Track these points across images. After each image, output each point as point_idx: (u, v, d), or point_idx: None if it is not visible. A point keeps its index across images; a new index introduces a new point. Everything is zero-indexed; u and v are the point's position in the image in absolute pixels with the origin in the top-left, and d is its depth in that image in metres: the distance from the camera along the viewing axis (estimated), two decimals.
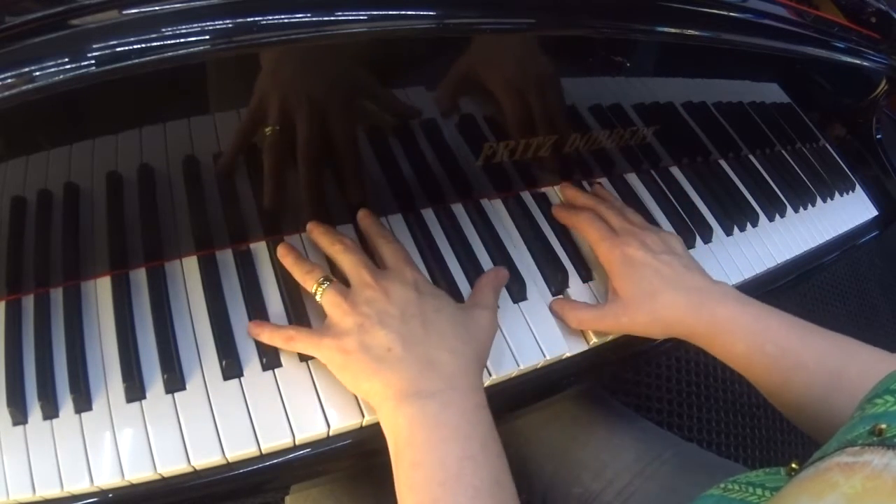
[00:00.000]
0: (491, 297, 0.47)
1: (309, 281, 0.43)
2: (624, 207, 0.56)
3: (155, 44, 0.30)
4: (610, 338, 0.52)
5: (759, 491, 0.35)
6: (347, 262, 0.44)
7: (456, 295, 0.48)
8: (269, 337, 0.42)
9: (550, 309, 0.52)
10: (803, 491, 0.26)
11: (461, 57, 0.43)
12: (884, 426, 0.27)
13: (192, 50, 0.31)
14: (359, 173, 0.48)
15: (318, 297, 0.43)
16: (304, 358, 0.43)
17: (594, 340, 0.51)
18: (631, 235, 0.51)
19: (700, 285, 0.48)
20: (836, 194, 0.81)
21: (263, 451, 0.40)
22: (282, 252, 0.46)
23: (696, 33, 0.48)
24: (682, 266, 0.49)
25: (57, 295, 0.43)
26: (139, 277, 0.45)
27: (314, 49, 0.37)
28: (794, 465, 0.34)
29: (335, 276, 0.45)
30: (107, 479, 0.37)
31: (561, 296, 0.53)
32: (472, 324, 0.43)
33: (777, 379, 0.45)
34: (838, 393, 0.43)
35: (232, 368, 0.42)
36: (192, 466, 0.39)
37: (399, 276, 0.43)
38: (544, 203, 0.58)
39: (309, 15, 0.33)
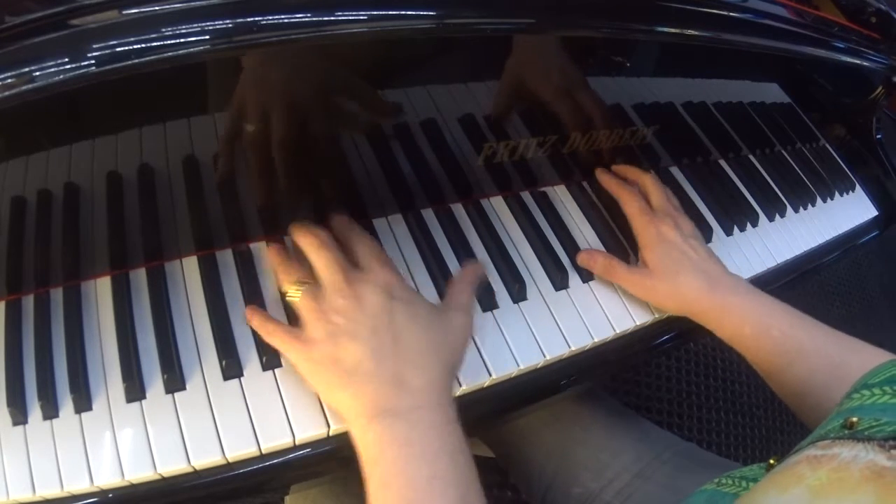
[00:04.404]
0: (466, 297, 0.46)
1: (286, 282, 0.43)
2: (666, 189, 0.60)
3: (155, 44, 0.30)
4: (611, 336, 0.52)
5: (751, 485, 0.35)
6: (320, 260, 0.42)
7: None
8: (257, 323, 0.42)
9: (578, 258, 0.55)
10: (772, 485, 0.26)
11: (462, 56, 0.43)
12: (856, 419, 0.27)
13: (192, 50, 0.31)
14: (352, 173, 0.48)
15: (289, 297, 0.42)
16: None
17: (595, 340, 0.51)
18: (668, 216, 0.55)
19: (718, 273, 0.52)
20: (836, 194, 0.81)
21: (263, 451, 0.40)
22: (272, 252, 0.46)
23: (696, 33, 0.48)
24: (706, 253, 0.53)
25: (57, 295, 0.43)
26: (139, 277, 0.45)
27: (304, 49, 0.37)
28: (772, 462, 0.34)
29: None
30: (107, 479, 0.37)
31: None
32: (448, 329, 0.42)
33: (781, 361, 0.47)
34: (840, 385, 0.43)
35: (232, 368, 0.42)
36: (192, 466, 0.39)
37: (372, 279, 0.41)
38: (544, 203, 0.58)
39: (309, 15, 0.33)
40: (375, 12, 0.35)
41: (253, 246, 0.48)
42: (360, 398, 0.38)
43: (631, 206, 0.56)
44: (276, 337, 0.41)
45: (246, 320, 0.43)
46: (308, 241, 0.43)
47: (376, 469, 0.36)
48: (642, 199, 0.57)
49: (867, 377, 0.32)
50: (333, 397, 0.39)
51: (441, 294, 0.49)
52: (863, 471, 0.23)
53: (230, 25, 0.32)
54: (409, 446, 0.36)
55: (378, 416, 0.37)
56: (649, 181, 0.59)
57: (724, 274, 0.52)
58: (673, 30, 0.47)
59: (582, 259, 0.55)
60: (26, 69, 0.29)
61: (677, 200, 0.59)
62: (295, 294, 0.42)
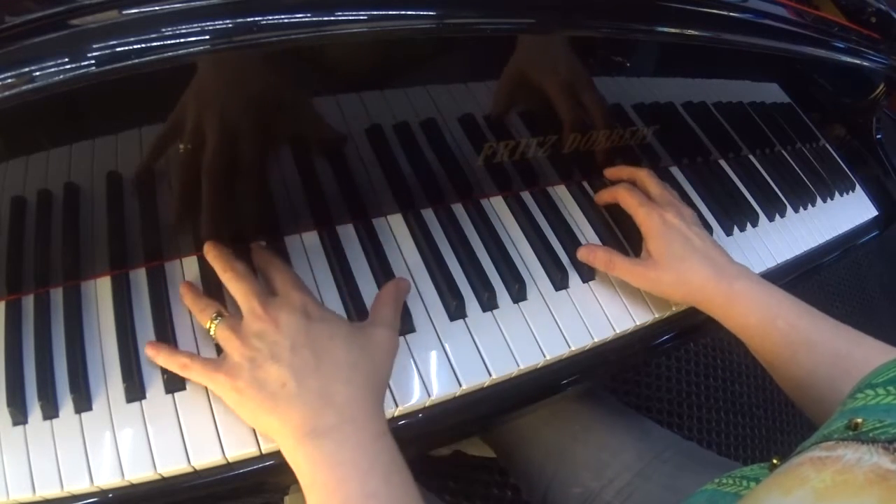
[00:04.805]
0: (390, 313, 0.45)
1: (203, 318, 0.42)
2: (663, 182, 0.60)
3: (155, 44, 0.30)
4: (611, 336, 0.52)
5: (752, 484, 0.35)
6: (237, 290, 0.42)
7: (456, 296, 0.48)
8: (165, 360, 0.41)
9: (578, 253, 0.54)
10: (775, 486, 0.26)
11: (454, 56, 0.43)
12: (860, 420, 0.27)
13: (192, 50, 0.31)
14: (352, 176, 0.48)
15: (211, 333, 0.41)
16: None
17: (595, 340, 0.51)
18: (670, 205, 0.55)
19: (723, 261, 0.51)
20: (836, 194, 0.81)
21: (263, 452, 0.40)
22: (182, 291, 0.45)
23: (696, 33, 0.48)
24: (710, 241, 0.53)
25: (57, 295, 0.43)
26: (139, 277, 0.45)
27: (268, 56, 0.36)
28: (775, 461, 0.34)
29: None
30: (107, 479, 0.37)
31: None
32: (369, 345, 0.42)
33: (786, 353, 0.47)
34: (845, 377, 0.44)
35: None
36: (192, 466, 0.39)
37: (288, 303, 0.41)
38: (545, 202, 0.58)
39: (309, 15, 0.33)
40: (375, 12, 0.35)
41: (252, 246, 0.48)
42: (288, 421, 0.37)
43: (630, 201, 0.55)
44: (192, 371, 0.40)
45: (149, 356, 0.42)
46: (226, 277, 0.43)
47: (311, 492, 0.36)
48: (639, 192, 0.56)
49: (871, 376, 0.31)
50: (261, 423, 0.39)
51: (441, 294, 0.49)
52: (867, 474, 0.23)
53: (230, 25, 0.32)
54: (340, 466, 0.36)
55: (306, 436, 0.37)
56: (645, 175, 0.58)
57: (730, 262, 0.51)
58: (673, 30, 0.47)
59: (582, 254, 0.54)
60: (26, 69, 0.29)
61: (676, 193, 0.59)
62: (212, 327, 0.41)
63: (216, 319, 0.41)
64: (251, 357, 0.39)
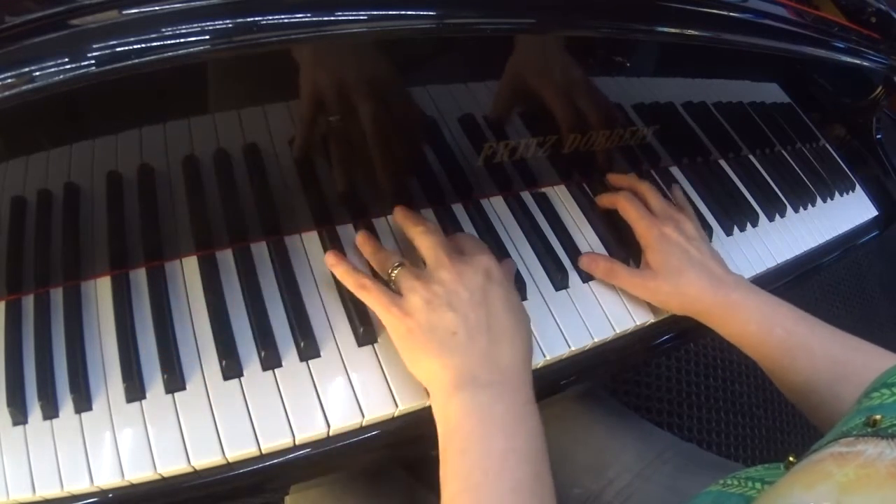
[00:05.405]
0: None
1: (385, 266, 0.45)
2: (674, 189, 0.61)
3: (155, 44, 0.30)
4: (611, 336, 0.52)
5: (758, 485, 0.35)
6: (427, 242, 0.45)
7: None
8: (342, 273, 0.44)
9: (580, 262, 0.55)
10: (797, 481, 0.26)
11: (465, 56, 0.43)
12: (878, 417, 0.27)
13: (192, 50, 0.31)
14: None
15: (393, 275, 0.44)
16: (304, 357, 0.43)
17: (595, 340, 0.51)
18: (669, 218, 0.55)
19: (721, 272, 0.52)
20: (836, 194, 0.81)
21: (263, 451, 0.40)
22: (361, 240, 0.48)
23: (696, 33, 0.48)
24: (709, 253, 0.54)
25: (57, 295, 0.43)
26: (139, 277, 0.45)
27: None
28: (791, 459, 0.34)
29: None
30: (107, 479, 0.37)
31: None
32: (527, 318, 0.45)
33: (784, 360, 0.48)
34: (844, 382, 0.44)
35: (232, 368, 0.42)
36: (192, 466, 0.39)
37: (474, 262, 0.44)
38: (544, 203, 0.58)
39: (309, 15, 0.33)
40: (375, 12, 0.35)
41: (253, 245, 0.48)
42: (449, 369, 0.39)
43: (630, 212, 0.56)
44: (370, 294, 0.42)
45: (327, 262, 0.45)
46: (417, 231, 0.46)
47: (455, 438, 0.38)
48: (640, 204, 0.57)
49: (885, 376, 0.32)
50: (421, 366, 0.41)
51: None
52: (889, 468, 0.23)
53: (230, 25, 0.32)
54: (490, 419, 0.38)
55: (465, 384, 0.39)
56: (645, 187, 0.59)
57: (727, 273, 0.52)
58: (673, 30, 0.47)
59: (583, 263, 0.55)
60: (26, 69, 0.29)
61: (685, 200, 0.60)
62: (394, 272, 0.44)
63: (398, 267, 0.44)
64: (429, 300, 0.41)
